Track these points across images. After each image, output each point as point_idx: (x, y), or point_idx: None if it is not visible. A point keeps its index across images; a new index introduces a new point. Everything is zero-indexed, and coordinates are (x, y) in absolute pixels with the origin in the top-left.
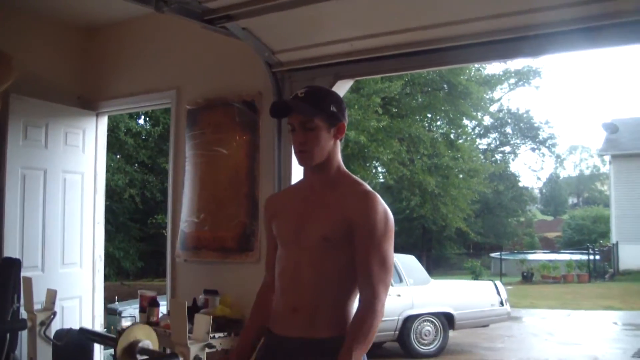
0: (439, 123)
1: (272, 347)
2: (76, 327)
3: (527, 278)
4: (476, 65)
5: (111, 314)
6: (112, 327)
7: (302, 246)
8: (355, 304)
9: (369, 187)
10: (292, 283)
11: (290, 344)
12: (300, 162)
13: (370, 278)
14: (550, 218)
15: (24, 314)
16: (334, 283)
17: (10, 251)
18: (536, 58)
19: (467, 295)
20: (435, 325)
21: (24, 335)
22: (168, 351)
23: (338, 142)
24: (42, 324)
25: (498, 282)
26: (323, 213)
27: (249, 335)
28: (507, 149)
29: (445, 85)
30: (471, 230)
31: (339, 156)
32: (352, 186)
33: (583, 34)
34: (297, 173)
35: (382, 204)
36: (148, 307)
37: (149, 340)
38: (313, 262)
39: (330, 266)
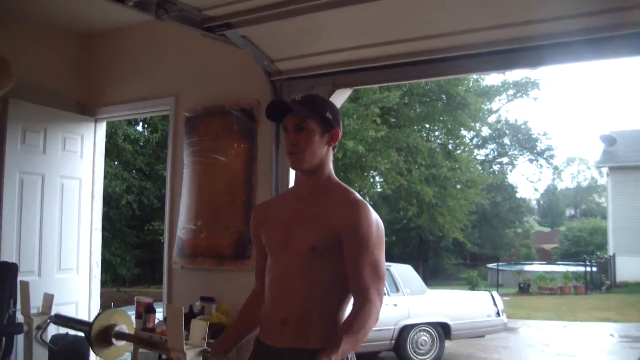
0: (437, 133)
1: (261, 356)
2: (72, 332)
3: (523, 289)
4: (475, 76)
5: None
6: None
7: (291, 255)
8: (346, 314)
9: (358, 196)
10: (282, 293)
11: (280, 354)
12: (291, 164)
13: (363, 285)
14: (547, 229)
15: (20, 318)
16: (323, 292)
17: (7, 256)
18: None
19: (463, 305)
20: (431, 335)
21: (20, 339)
22: (164, 357)
23: (331, 150)
24: (38, 328)
25: (495, 293)
26: (311, 222)
27: (234, 331)
28: (505, 160)
29: (443, 96)
30: (468, 240)
31: (331, 165)
32: (341, 195)
33: (585, 45)
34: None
35: (372, 212)
36: (144, 313)
37: (124, 324)
38: (302, 271)
39: (319, 275)
